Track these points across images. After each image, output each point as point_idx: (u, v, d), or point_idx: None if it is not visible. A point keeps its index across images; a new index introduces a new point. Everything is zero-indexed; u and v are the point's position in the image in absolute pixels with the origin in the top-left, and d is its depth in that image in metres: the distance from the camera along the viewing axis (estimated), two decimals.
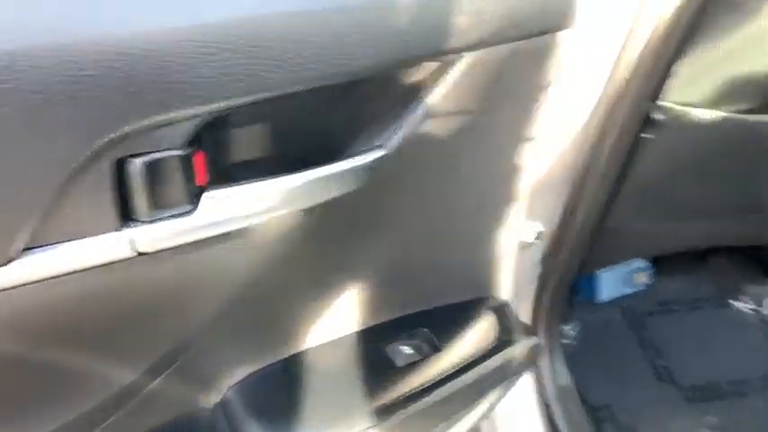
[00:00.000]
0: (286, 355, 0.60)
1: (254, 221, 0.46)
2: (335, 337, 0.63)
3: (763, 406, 1.16)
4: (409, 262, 0.64)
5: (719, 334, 1.31)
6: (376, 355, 0.64)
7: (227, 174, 0.46)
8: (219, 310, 0.52)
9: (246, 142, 0.47)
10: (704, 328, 1.33)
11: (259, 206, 0.46)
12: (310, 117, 0.49)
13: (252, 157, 0.48)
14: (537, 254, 0.81)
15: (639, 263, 1.39)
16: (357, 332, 0.64)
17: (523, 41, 0.52)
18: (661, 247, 1.18)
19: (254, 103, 0.42)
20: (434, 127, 0.51)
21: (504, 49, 0.51)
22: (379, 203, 0.54)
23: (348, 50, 0.44)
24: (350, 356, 0.62)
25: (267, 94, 0.42)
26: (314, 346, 0.62)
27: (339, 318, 0.62)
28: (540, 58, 0.56)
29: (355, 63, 0.45)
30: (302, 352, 0.61)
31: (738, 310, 1.35)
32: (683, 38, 0.65)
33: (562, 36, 0.55)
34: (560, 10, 0.55)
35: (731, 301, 1.37)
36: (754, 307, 1.35)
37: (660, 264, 1.40)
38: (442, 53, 0.48)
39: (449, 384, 0.64)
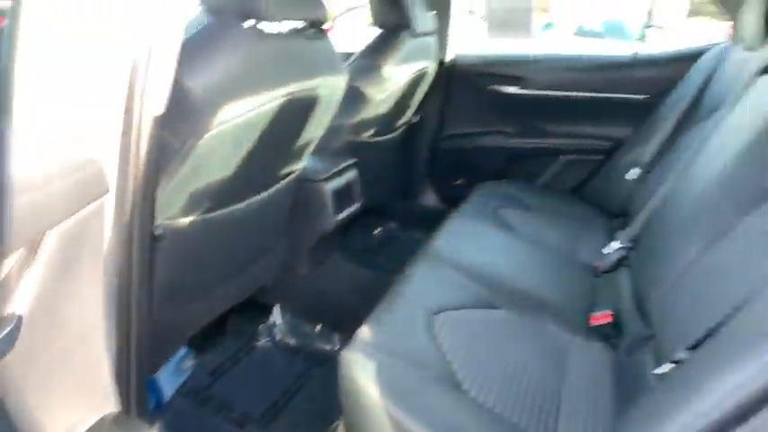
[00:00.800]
0: None
1: None
2: None
3: (300, 402, 1.60)
4: None
5: (260, 368, 1.71)
6: None
7: None
8: None
9: None
10: (248, 372, 1.69)
11: None
12: None
13: None
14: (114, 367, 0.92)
15: (181, 350, 1.62)
16: None
17: (84, 210, 0.68)
18: (198, 326, 1.45)
19: None
20: (45, 288, 0.60)
21: (74, 218, 0.66)
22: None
23: None
24: None
25: None
26: None
27: None
28: (97, 214, 0.72)
29: None
30: None
31: (262, 346, 1.78)
32: (154, 176, 0.92)
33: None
34: (100, 185, 0.74)
35: (255, 343, 1.79)
36: (268, 339, 1.81)
37: (192, 343, 1.67)
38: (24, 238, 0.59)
39: None
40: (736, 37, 2.01)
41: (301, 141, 1.41)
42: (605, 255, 1.62)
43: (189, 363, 1.65)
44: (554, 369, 1.16)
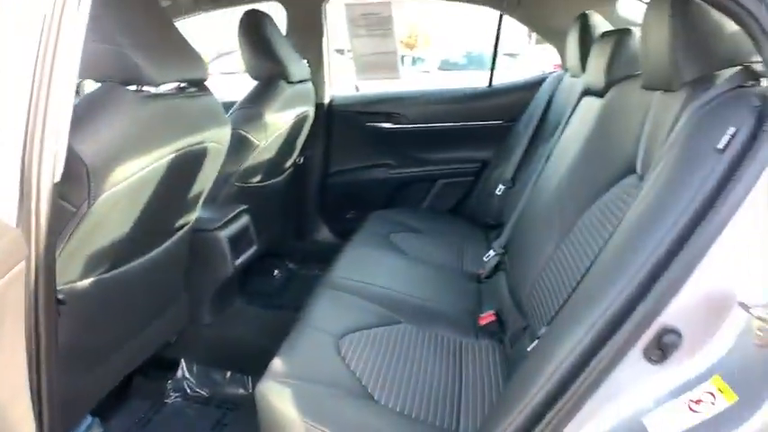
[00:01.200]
0: None
1: None
2: None
3: None
4: None
5: (173, 424, 1.68)
6: None
7: None
8: None
9: None
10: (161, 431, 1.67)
11: None
12: None
13: None
14: None
15: (87, 419, 1.56)
16: None
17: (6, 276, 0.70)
18: (104, 391, 1.41)
19: None
20: None
21: None
22: None
23: None
24: None
25: None
26: None
27: None
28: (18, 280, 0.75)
29: None
30: None
31: (173, 402, 1.76)
32: (54, 243, 0.94)
33: None
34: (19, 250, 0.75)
35: (165, 401, 1.76)
36: (178, 394, 1.79)
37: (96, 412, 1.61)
38: None
39: None
40: (564, 66, 2.38)
41: (193, 192, 1.46)
42: (485, 262, 1.83)
43: (96, 430, 1.59)
44: (452, 368, 1.31)
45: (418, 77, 9.25)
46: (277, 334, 1.45)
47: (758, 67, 0.79)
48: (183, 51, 1.25)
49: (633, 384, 0.70)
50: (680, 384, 0.67)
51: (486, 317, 1.53)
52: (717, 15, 0.77)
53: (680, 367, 0.68)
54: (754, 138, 0.69)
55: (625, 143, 1.23)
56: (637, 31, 1.45)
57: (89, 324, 1.22)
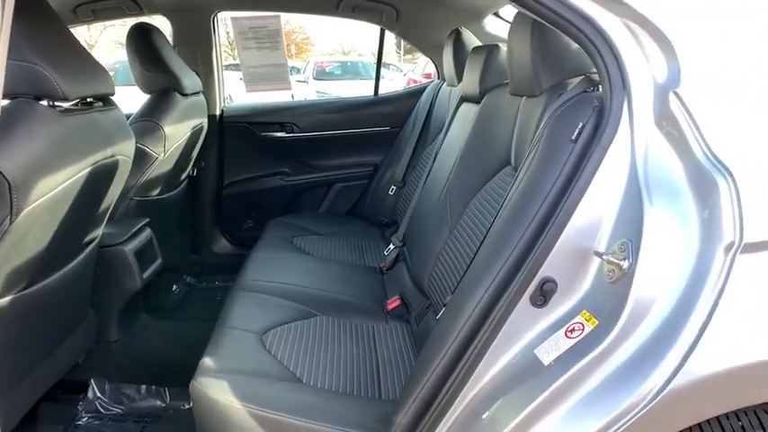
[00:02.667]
0: None
1: None
2: None
3: None
4: None
5: None
6: None
7: None
8: None
9: None
10: None
11: None
12: None
13: None
14: None
15: None
16: None
17: None
18: (14, 422, 1.35)
19: None
20: None
21: None
22: None
23: None
24: None
25: None
26: None
27: None
28: None
29: None
30: None
31: (86, 425, 1.71)
32: None
33: None
34: None
35: (77, 423, 1.71)
36: (91, 415, 1.74)
37: None
38: None
39: None
40: (440, 77, 2.65)
41: (103, 207, 1.47)
42: (386, 256, 2.00)
43: None
44: (368, 349, 1.45)
45: (297, 87, 9.33)
46: (187, 345, 1.49)
47: (595, 77, 1.02)
48: (91, 67, 1.27)
49: (525, 326, 0.89)
50: (558, 319, 0.88)
51: (393, 302, 1.69)
52: (565, 36, 0.99)
53: (557, 307, 0.88)
54: (596, 129, 0.91)
55: (500, 141, 1.46)
56: (503, 47, 1.71)
57: (6, 345, 1.19)
